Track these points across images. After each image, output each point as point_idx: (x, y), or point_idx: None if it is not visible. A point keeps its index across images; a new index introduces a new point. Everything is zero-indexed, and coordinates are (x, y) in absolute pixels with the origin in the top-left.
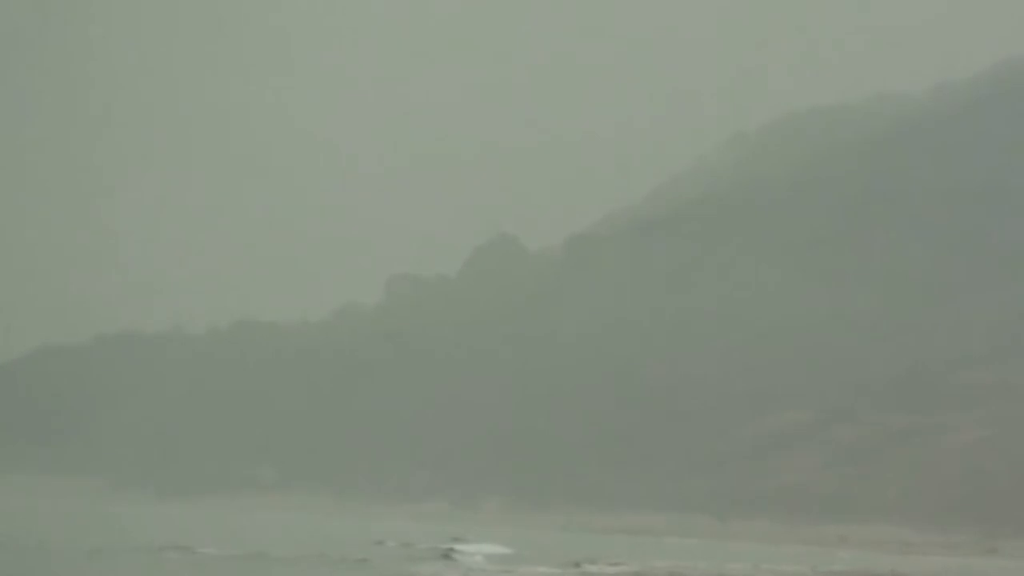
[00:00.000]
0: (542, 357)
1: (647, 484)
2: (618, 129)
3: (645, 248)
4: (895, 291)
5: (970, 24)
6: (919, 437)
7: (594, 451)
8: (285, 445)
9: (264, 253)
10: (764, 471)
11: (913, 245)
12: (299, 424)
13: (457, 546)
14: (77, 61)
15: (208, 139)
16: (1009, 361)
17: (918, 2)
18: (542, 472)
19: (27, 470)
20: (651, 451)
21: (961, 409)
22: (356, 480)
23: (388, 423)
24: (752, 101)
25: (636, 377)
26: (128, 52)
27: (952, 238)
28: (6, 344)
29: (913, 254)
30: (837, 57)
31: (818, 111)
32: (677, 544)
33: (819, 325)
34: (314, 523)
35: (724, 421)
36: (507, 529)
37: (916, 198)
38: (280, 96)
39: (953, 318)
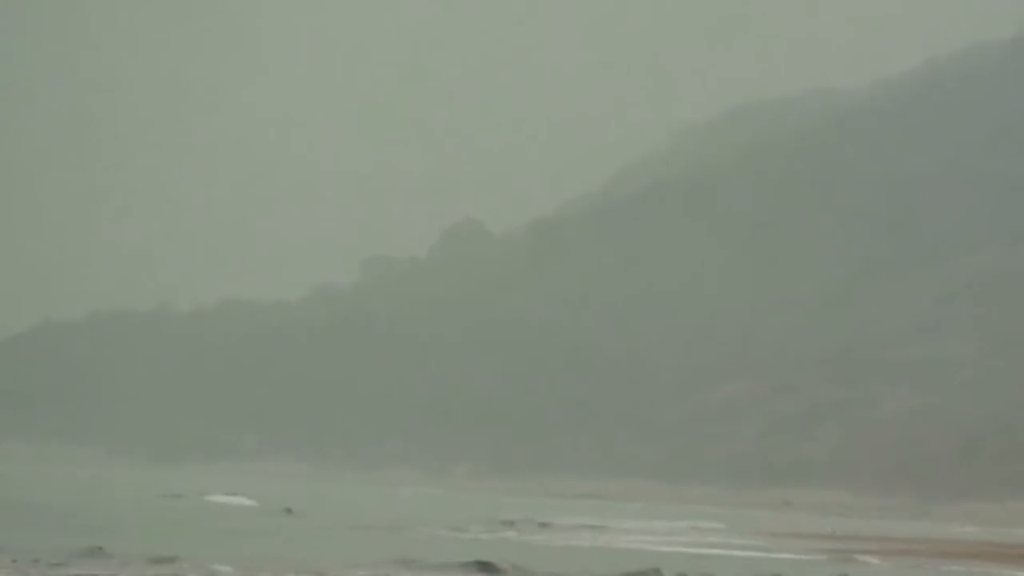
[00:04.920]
0: (506, 334)
1: (603, 452)
2: (577, 121)
3: (602, 231)
4: (833, 273)
5: (904, 24)
6: (856, 408)
7: (554, 422)
8: (267, 415)
9: (247, 236)
10: (713, 439)
11: (849, 230)
12: (280, 396)
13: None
14: (73, 55)
15: (196, 132)
16: (936, 337)
17: (856, 4)
18: (506, 442)
19: (27, 438)
20: (607, 421)
21: (894, 382)
22: (333, 448)
23: (362, 395)
24: (701, 95)
25: (594, 352)
26: (122, 48)
27: (884, 223)
28: (8, 321)
29: (849, 238)
30: (779, 55)
31: (763, 105)
32: (631, 508)
33: (763, 304)
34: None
35: (675, 393)
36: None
37: (851, 186)
38: (264, 91)
39: (885, 298)
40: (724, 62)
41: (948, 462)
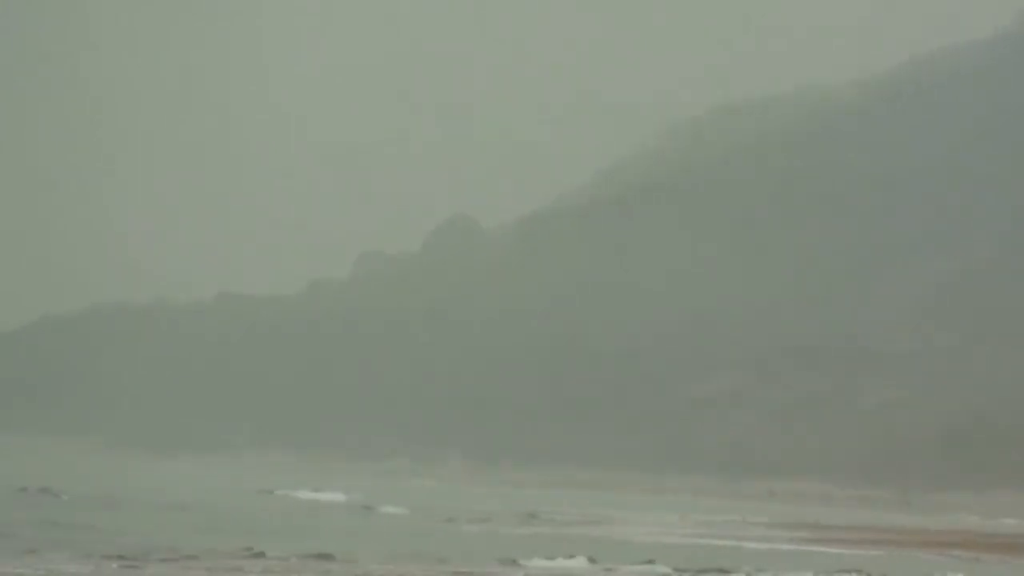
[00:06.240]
0: (496, 327)
1: (592, 442)
2: (566, 117)
3: (591, 226)
4: (818, 266)
5: (887, 23)
6: (840, 399)
7: (544, 413)
8: (261, 408)
9: (244, 232)
10: (699, 430)
11: (834, 224)
12: (274, 389)
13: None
14: (74, 53)
15: (194, 129)
16: (920, 330)
17: (841, 3)
18: (496, 433)
19: (28, 430)
20: (596, 413)
21: (878, 374)
22: (326, 440)
23: (357, 388)
24: (690, 92)
25: (582, 345)
26: (121, 46)
27: (868, 218)
28: (10, 314)
29: (834, 232)
30: (767, 52)
31: (750, 102)
32: (617, 497)
33: (749, 297)
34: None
35: (662, 384)
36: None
37: (836, 181)
38: (260, 88)
39: (870, 291)
40: (714, 60)
41: (928, 453)
